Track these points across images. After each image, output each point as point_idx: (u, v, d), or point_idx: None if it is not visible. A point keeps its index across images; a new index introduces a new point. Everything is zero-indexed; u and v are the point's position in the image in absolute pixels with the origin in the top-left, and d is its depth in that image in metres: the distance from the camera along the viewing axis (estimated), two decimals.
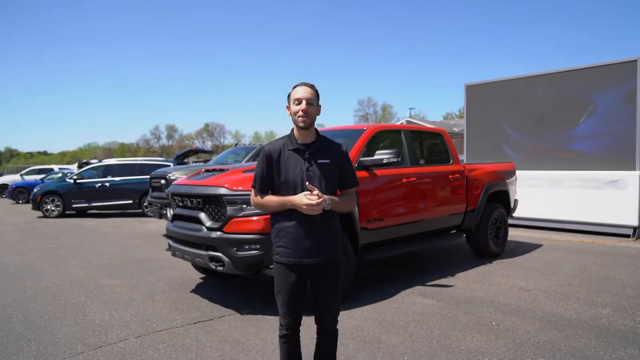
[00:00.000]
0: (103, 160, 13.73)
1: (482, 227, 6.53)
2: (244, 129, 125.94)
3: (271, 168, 2.46)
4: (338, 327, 2.60)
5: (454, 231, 6.38)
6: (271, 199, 2.46)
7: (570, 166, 9.18)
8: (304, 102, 2.38)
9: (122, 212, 13.57)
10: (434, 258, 6.68)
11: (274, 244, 2.50)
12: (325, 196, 2.33)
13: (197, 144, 74.94)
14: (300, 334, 2.59)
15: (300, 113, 2.38)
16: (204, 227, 4.29)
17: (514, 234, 8.43)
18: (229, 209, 4.14)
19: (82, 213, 13.35)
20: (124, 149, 77.60)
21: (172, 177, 8.39)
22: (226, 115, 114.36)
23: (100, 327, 3.93)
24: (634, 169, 8.36)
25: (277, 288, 2.50)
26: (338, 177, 2.50)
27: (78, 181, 12.59)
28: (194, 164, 13.43)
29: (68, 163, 57.52)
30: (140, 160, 13.47)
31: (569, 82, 9.28)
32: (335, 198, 2.41)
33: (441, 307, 4.42)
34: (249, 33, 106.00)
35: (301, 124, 2.40)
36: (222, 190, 4.21)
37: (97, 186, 12.47)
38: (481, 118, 10.78)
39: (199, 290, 5.09)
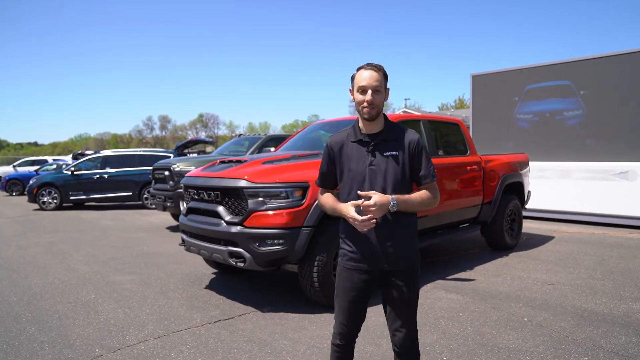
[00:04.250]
0: (101, 151, 13.42)
1: (497, 220, 6.39)
2: (238, 120, 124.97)
3: (333, 162, 2.21)
4: (415, 346, 2.18)
5: (467, 224, 6.23)
6: (326, 200, 2.21)
7: (579, 157, 9.07)
8: (369, 91, 2.05)
9: (120, 205, 13.31)
10: (449, 251, 6.55)
11: (340, 246, 2.24)
12: (390, 196, 2.00)
13: (191, 134, 74.26)
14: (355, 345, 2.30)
15: (365, 104, 2.06)
16: (222, 222, 4.09)
17: (523, 226, 8.31)
18: (250, 202, 3.95)
19: (79, 205, 13.06)
20: (117, 140, 76.68)
21: (177, 169, 8.17)
22: (220, 105, 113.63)
23: (116, 327, 3.74)
24: None
25: (336, 292, 2.21)
26: (410, 170, 2.14)
27: (75, 173, 12.29)
28: (190, 155, 13.18)
29: (59, 154, 56.78)
30: (140, 151, 13.15)
31: (577, 72, 9.14)
32: (405, 197, 2.04)
33: (467, 302, 4.28)
34: (243, 23, 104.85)
35: (365, 116, 2.09)
36: (243, 183, 4.01)
37: (95, 178, 12.17)
38: (487, 108, 10.63)
39: (213, 286, 4.90)
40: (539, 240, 7.32)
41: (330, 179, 2.25)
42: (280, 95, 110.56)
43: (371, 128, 2.15)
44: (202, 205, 4.37)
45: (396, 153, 2.11)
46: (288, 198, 3.96)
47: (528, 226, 8.52)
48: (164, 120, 79.71)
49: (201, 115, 77.75)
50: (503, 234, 6.46)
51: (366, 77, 2.07)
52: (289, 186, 3.99)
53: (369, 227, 2.00)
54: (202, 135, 71.86)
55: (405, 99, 52.38)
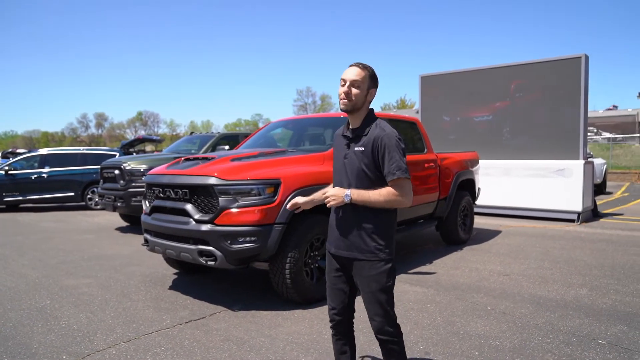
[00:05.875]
0: (38, 150, 12.53)
1: (452, 215, 6.68)
2: (180, 118, 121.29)
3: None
4: (389, 337, 2.26)
5: (422, 220, 6.44)
6: None
7: (519, 156, 9.63)
8: (347, 83, 2.22)
9: (60, 206, 12.52)
10: (406, 247, 6.75)
11: None
12: (347, 190, 2.19)
13: (130, 133, 71.26)
14: (352, 333, 2.49)
15: (342, 95, 2.23)
16: (191, 220, 3.99)
17: None
18: (222, 200, 3.88)
19: (13, 207, 12.15)
20: (48, 138, 71.95)
21: (128, 167, 7.86)
22: (160, 103, 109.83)
23: (81, 332, 3.54)
24: (578, 159, 8.93)
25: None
26: (374, 167, 2.21)
27: (10, 172, 11.41)
28: (134, 154, 12.66)
29: None
30: (82, 149, 12.41)
31: (518, 76, 9.71)
32: (362, 192, 2.17)
33: (433, 294, 4.45)
34: (182, 20, 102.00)
35: (341, 106, 2.26)
36: (213, 180, 3.93)
37: (32, 178, 11.36)
38: (435, 108, 11.03)
39: (177, 286, 4.76)
40: (488, 234, 7.72)
41: None
42: (222, 94, 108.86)
43: (354, 123, 2.31)
44: (169, 204, 4.23)
45: (362, 148, 2.23)
46: (260, 195, 3.94)
47: (475, 221, 8.93)
48: (100, 118, 75.84)
49: (140, 113, 74.69)
50: (457, 229, 6.76)
51: (349, 71, 2.24)
52: (260, 183, 3.96)
53: (335, 204, 2.23)
54: (142, 133, 69.09)
55: None
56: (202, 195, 4.00)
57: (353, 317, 2.45)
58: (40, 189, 11.39)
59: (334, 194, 2.21)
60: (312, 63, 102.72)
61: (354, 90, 2.22)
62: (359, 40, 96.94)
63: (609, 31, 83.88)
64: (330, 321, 2.42)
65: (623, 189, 16.81)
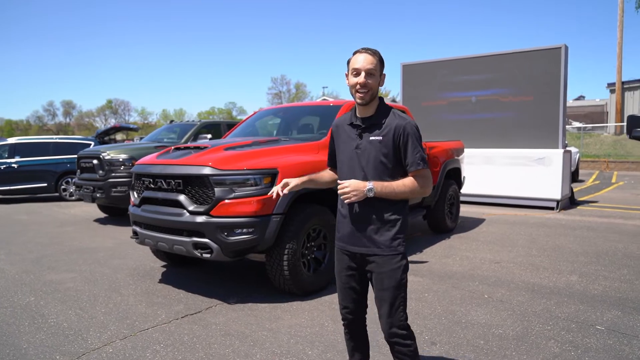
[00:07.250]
0: (7, 139, 11.95)
1: (439, 204, 6.70)
2: (151, 106, 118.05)
3: (333, 142, 2.34)
4: (401, 339, 2.17)
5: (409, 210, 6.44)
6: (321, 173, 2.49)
7: (500, 144, 9.75)
8: (363, 73, 2.06)
9: (32, 197, 12.04)
10: None
11: None
12: (367, 182, 2.05)
13: (99, 121, 69.20)
14: (365, 330, 2.44)
15: (358, 87, 2.07)
16: (185, 211, 3.85)
17: None
18: (217, 190, 3.75)
19: None
20: (12, 127, 69.09)
21: (107, 157, 7.58)
22: (131, 91, 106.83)
23: (72, 330, 3.38)
24: (557, 148, 9.10)
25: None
26: (394, 157, 2.10)
27: None
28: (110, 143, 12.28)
29: None
30: (56, 138, 11.91)
31: (498, 65, 9.79)
32: (385, 184, 2.06)
33: (428, 283, 4.45)
34: (153, 5, 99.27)
35: (359, 100, 2.11)
36: (208, 170, 3.79)
37: (2, 168, 10.85)
38: (416, 97, 11.03)
39: (168, 280, 4.62)
40: (473, 222, 7.80)
41: (333, 158, 2.37)
42: (195, 81, 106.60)
43: (365, 112, 2.17)
44: (160, 195, 4.07)
45: (380, 138, 2.11)
46: (257, 185, 3.83)
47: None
48: (68, 106, 73.15)
49: (110, 101, 72.36)
50: (444, 218, 6.79)
51: (360, 60, 2.08)
52: (257, 173, 3.85)
53: (355, 200, 2.08)
54: (112, 122, 67.16)
55: (323, 87, 53.04)
56: (197, 185, 3.86)
57: (365, 314, 2.38)
58: (10, 180, 10.89)
59: (354, 190, 2.04)
60: (287, 51, 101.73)
61: (371, 81, 2.08)
62: (333, 29, 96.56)
63: (575, 22, 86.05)
64: (343, 320, 2.34)
65: (594, 177, 17.34)
